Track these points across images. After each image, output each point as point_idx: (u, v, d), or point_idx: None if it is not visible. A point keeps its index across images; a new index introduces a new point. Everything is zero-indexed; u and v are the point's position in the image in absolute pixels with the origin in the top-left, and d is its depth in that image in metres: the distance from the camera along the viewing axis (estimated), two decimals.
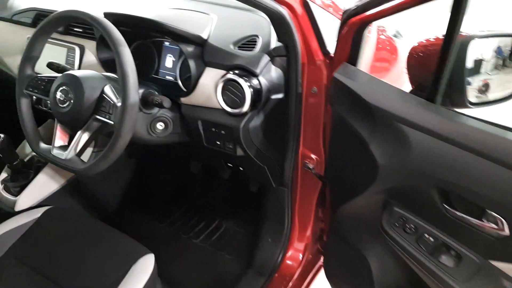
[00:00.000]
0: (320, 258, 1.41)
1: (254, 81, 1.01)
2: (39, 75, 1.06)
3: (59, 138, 1.02)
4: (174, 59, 1.19)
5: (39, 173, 1.30)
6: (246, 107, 1.01)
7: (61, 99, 0.97)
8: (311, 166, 1.18)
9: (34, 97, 1.08)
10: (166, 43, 1.19)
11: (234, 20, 1.21)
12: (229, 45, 1.07)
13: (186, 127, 1.17)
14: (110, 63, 1.25)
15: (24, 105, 1.07)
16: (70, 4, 1.39)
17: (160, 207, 1.71)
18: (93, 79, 0.98)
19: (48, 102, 1.25)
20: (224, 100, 1.03)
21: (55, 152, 1.01)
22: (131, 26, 1.18)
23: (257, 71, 1.00)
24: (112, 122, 0.92)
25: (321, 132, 1.12)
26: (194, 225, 1.65)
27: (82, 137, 0.98)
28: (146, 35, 1.19)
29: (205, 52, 1.08)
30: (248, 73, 1.01)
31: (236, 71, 1.01)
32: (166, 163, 1.75)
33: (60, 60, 1.27)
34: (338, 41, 0.96)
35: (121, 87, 0.89)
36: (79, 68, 1.27)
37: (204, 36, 1.09)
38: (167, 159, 1.73)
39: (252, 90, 1.00)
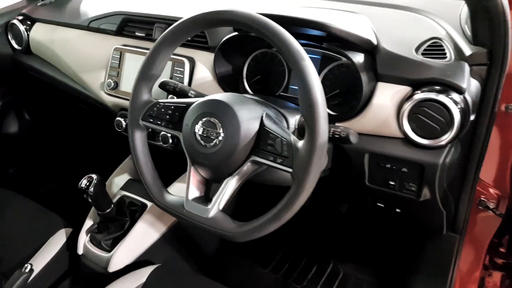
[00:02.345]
0: None
1: (460, 100, 0.72)
2: (161, 101, 0.77)
3: (195, 187, 0.74)
4: None
5: (138, 222, 1.02)
6: (450, 136, 0.73)
7: (205, 135, 0.68)
8: (491, 204, 0.89)
9: (150, 129, 0.80)
10: None
11: (393, 20, 0.94)
12: (411, 51, 0.78)
13: (341, 161, 0.87)
14: (227, 80, 0.97)
15: (139, 140, 0.79)
16: (161, 5, 1.13)
17: (257, 247, 1.42)
18: (248, 107, 0.69)
19: (169, 136, 0.99)
20: (412, 128, 0.75)
21: (191, 206, 0.72)
22: None
23: (464, 86, 0.72)
24: (289, 169, 0.63)
25: (510, 161, 0.87)
26: (304, 270, 1.36)
27: (230, 185, 0.70)
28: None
29: (378, 62, 0.79)
30: (450, 90, 0.73)
31: (432, 87, 0.73)
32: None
33: (163, 76, 0.99)
34: None
35: (307, 119, 0.62)
36: (189, 85, 0.99)
37: (374, 41, 0.80)
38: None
39: (460, 112, 0.71)
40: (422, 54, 0.78)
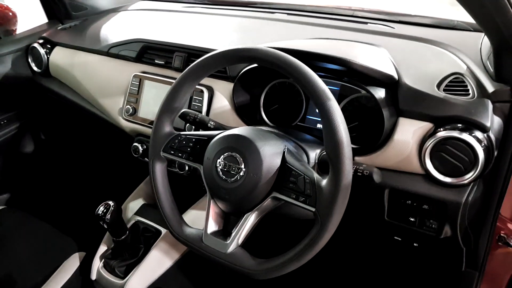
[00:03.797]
0: None
1: (484, 139, 0.72)
2: (182, 133, 0.78)
3: (213, 220, 0.74)
4: None
5: (152, 249, 1.01)
6: (473, 175, 0.72)
7: (226, 169, 0.69)
8: (511, 240, 0.89)
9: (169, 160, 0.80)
10: None
11: (413, 53, 0.93)
12: (433, 87, 0.78)
13: (360, 195, 0.87)
14: (245, 109, 0.98)
15: (160, 172, 0.80)
16: (181, 34, 1.15)
17: (271, 283, 1.40)
18: (269, 142, 0.70)
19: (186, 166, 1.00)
20: (435, 166, 0.75)
21: (209, 241, 0.72)
22: None
23: (488, 124, 0.72)
24: (312, 208, 0.62)
25: None
26: None
27: (249, 221, 0.69)
28: None
29: (400, 97, 0.79)
30: (473, 128, 0.72)
31: (455, 125, 0.73)
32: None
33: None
34: None
35: (332, 159, 0.61)
36: (207, 114, 1.00)
37: (396, 76, 0.81)
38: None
39: (484, 151, 0.70)
40: (444, 90, 0.78)
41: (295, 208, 0.67)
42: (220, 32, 1.22)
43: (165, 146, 0.78)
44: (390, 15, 1.18)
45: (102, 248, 1.06)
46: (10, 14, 1.46)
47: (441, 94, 0.77)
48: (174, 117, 0.79)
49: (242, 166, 0.67)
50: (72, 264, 1.06)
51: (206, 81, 1.02)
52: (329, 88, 0.83)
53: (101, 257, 1.04)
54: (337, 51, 0.83)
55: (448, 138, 0.72)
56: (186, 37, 1.13)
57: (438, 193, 0.77)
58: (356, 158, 0.84)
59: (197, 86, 1.00)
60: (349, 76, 0.87)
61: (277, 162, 0.67)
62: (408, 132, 0.78)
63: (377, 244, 1.18)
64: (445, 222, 0.79)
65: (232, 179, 0.68)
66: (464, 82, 0.79)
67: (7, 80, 1.38)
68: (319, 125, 0.95)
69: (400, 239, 0.99)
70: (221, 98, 0.99)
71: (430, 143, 0.74)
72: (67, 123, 1.63)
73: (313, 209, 0.62)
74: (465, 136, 0.70)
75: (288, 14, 1.33)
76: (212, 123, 0.86)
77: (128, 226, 1.09)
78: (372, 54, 0.88)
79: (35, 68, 1.43)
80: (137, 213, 1.13)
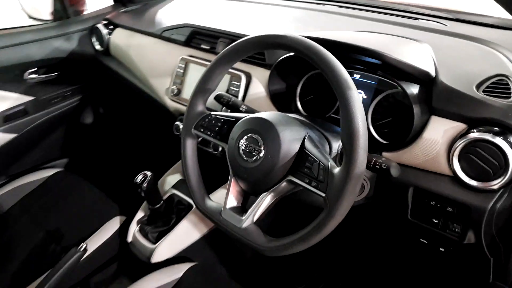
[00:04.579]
0: None
1: None
2: (213, 113, 0.83)
3: (233, 197, 0.78)
4: (365, 96, 0.91)
5: (183, 220, 1.10)
6: (503, 181, 0.70)
7: (247, 150, 0.73)
8: None
9: (200, 138, 0.86)
10: (356, 76, 0.92)
11: (458, 51, 0.90)
12: (472, 88, 0.76)
13: (384, 192, 0.87)
14: (279, 97, 1.01)
15: (190, 147, 0.86)
16: (232, 23, 1.19)
17: (294, 263, 1.44)
18: (291, 128, 0.72)
19: (219, 146, 1.05)
20: (462, 167, 0.73)
21: (227, 215, 0.77)
22: None
23: None
24: (322, 194, 0.65)
25: None
26: None
27: (265, 201, 0.73)
28: None
29: (434, 95, 0.78)
30: (509, 132, 0.70)
31: (489, 128, 0.70)
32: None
33: (220, 89, 1.06)
34: None
35: (346, 147, 0.63)
36: (243, 99, 1.04)
37: (433, 73, 0.79)
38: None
39: None
40: (484, 91, 0.75)
41: (312, 196, 0.69)
42: (266, 21, 1.25)
43: (196, 124, 0.84)
44: (445, 12, 1.15)
45: (140, 214, 1.16)
46: None
47: (478, 94, 0.74)
48: (206, 97, 0.84)
49: (262, 148, 0.71)
50: (113, 225, 1.17)
51: (245, 67, 1.06)
52: (366, 82, 0.83)
53: (138, 222, 1.14)
54: (372, 44, 0.83)
55: (479, 140, 0.70)
56: (232, 24, 1.17)
57: (463, 196, 0.75)
58: (384, 154, 0.84)
59: (235, 72, 1.05)
60: (383, 70, 0.86)
61: (296, 147, 0.70)
62: (439, 131, 0.76)
63: (402, 244, 1.16)
64: (468, 227, 0.77)
65: (252, 159, 0.72)
66: (508, 84, 0.75)
67: (73, 56, 1.52)
68: None
69: (426, 242, 0.98)
70: (257, 85, 1.03)
71: (460, 144, 0.72)
72: (122, 99, 1.76)
73: (323, 195, 0.64)
74: (498, 140, 0.68)
75: (339, 6, 1.33)
76: (244, 107, 0.91)
77: (164, 197, 1.18)
78: (410, 49, 0.86)
79: (97, 47, 1.56)
80: (174, 186, 1.22)
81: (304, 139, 0.71)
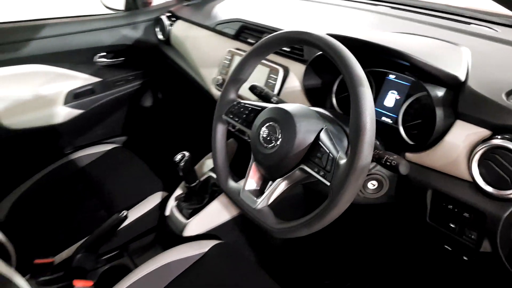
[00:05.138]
0: None
1: None
2: (242, 101, 0.90)
3: (252, 179, 0.84)
4: (398, 97, 0.91)
5: (214, 200, 1.18)
6: None
7: (266, 137, 0.78)
8: None
9: (231, 124, 0.93)
10: (391, 76, 0.93)
11: (498, 58, 0.88)
12: (501, 95, 0.74)
13: (404, 192, 0.87)
14: (314, 93, 1.04)
15: (220, 131, 0.93)
16: (281, 19, 1.25)
17: (323, 257, 1.46)
18: (309, 120, 0.76)
19: (247, 133, 1.12)
20: (481, 173, 0.72)
21: (245, 195, 0.83)
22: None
23: None
24: (327, 183, 0.68)
25: None
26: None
27: (280, 186, 0.78)
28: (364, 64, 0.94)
29: (461, 100, 0.77)
30: None
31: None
32: None
33: (259, 80, 1.12)
34: None
35: (352, 141, 0.65)
36: (279, 93, 1.09)
37: (462, 77, 0.78)
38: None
39: None
40: None
41: (322, 185, 0.72)
42: (312, 19, 1.28)
43: (227, 111, 0.91)
44: (499, 17, 1.10)
45: (178, 191, 1.26)
46: None
47: (506, 102, 0.73)
48: (239, 86, 0.91)
49: (279, 136, 0.76)
50: (155, 199, 1.29)
51: (284, 61, 1.11)
52: (400, 83, 0.84)
53: (176, 199, 1.25)
54: (403, 45, 0.84)
55: (500, 147, 0.69)
56: (280, 21, 1.22)
57: (480, 203, 0.74)
58: (407, 154, 0.85)
59: (274, 65, 1.11)
60: (413, 72, 0.87)
61: (311, 138, 0.74)
62: (461, 136, 0.76)
63: (425, 250, 1.14)
64: (484, 235, 0.76)
65: (269, 145, 0.77)
66: None
67: (138, 44, 1.68)
68: (383, 118, 0.96)
69: (450, 248, 0.96)
70: (294, 79, 1.07)
71: (480, 149, 0.71)
72: (178, 86, 1.89)
73: (328, 184, 0.68)
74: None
75: (392, 8, 1.32)
76: (275, 98, 0.96)
77: (202, 179, 1.27)
78: (443, 53, 0.86)
79: (160, 36, 1.69)
80: (211, 169, 1.31)
81: (320, 131, 0.74)
